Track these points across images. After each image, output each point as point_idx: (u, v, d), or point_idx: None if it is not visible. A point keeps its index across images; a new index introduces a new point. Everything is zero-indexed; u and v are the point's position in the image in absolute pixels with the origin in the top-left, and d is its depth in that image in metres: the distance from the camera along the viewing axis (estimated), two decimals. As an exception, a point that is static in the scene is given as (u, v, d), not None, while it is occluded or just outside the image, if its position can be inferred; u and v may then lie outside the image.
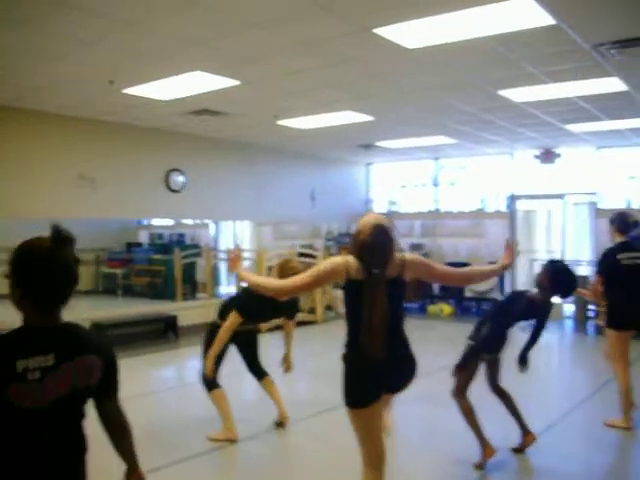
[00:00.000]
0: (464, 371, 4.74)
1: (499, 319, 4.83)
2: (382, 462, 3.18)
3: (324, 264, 3.22)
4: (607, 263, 5.65)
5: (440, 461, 4.85)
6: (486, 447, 4.65)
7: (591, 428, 5.74)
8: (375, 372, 3.09)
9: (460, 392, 4.73)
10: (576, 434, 5.64)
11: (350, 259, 3.15)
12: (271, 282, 3.44)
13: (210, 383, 5.28)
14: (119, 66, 6.61)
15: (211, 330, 5.35)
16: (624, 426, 5.51)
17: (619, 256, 5.58)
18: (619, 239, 5.68)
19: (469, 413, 4.69)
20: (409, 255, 3.25)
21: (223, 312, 5.34)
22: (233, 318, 5.11)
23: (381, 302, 3.01)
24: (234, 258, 3.64)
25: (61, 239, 1.97)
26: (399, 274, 3.15)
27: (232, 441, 5.20)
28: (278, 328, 6.39)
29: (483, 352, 4.79)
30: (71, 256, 2.00)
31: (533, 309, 4.79)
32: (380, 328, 3.00)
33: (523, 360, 4.82)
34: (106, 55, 6.19)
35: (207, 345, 5.26)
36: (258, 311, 5.23)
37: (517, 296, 5.03)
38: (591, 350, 9.95)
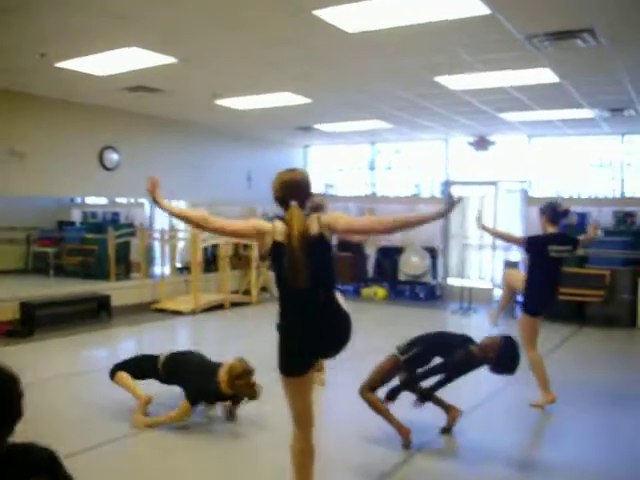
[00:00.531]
0: (380, 373, 4.90)
1: (432, 355, 4.96)
2: (310, 424, 3.37)
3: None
4: (536, 251, 5.78)
5: (369, 442, 4.94)
6: (401, 428, 4.79)
7: (517, 408, 5.94)
8: (307, 340, 3.20)
9: (369, 389, 4.85)
10: (502, 414, 5.82)
11: (277, 223, 3.25)
12: (198, 214, 3.44)
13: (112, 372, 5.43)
14: (50, 39, 6.43)
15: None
16: (548, 400, 5.71)
17: (549, 247, 5.69)
18: (551, 229, 5.79)
19: (378, 405, 4.84)
20: (325, 215, 3.29)
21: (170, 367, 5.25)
22: (183, 410, 5.00)
23: (300, 247, 3.10)
24: (152, 186, 3.63)
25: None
26: (320, 232, 3.19)
27: (148, 402, 5.25)
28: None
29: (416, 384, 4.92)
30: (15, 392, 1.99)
31: (465, 364, 4.88)
32: (301, 266, 3.09)
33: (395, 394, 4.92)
34: (34, 26, 6.00)
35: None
36: (207, 397, 5.18)
37: (460, 344, 4.96)
38: (517, 333, 10.25)
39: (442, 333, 5.28)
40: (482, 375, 5.17)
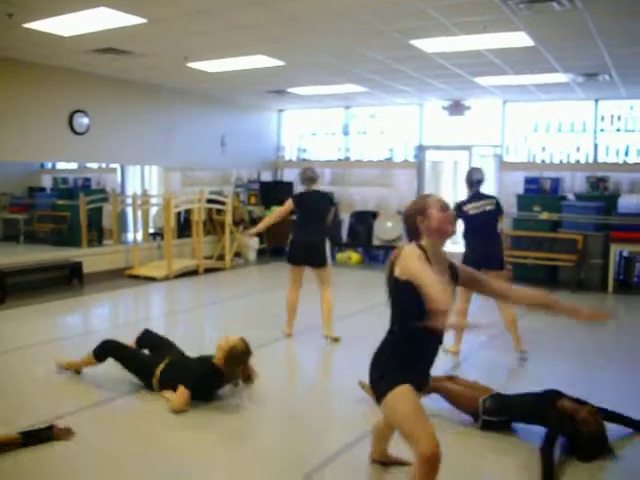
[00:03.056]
0: None
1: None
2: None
3: None
4: (460, 215, 6.30)
5: (347, 401, 4.98)
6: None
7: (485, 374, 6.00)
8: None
9: None
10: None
11: None
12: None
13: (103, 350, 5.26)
14: (18, -1, 6.25)
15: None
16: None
17: (465, 208, 6.40)
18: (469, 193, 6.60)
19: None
20: None
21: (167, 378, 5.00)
22: (183, 398, 4.78)
23: None
24: None
25: None
26: None
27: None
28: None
29: None
30: None
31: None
32: None
33: None
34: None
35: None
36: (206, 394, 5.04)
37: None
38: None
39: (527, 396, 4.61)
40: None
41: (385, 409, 3.04)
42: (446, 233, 3.04)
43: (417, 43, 7.81)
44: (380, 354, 3.14)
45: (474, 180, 6.56)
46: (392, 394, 2.95)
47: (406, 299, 2.95)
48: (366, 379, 3.22)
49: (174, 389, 4.84)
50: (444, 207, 3.06)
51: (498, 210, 6.44)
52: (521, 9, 6.16)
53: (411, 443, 2.88)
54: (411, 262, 2.87)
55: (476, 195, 6.51)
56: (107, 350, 5.22)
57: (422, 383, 3.15)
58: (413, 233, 3.09)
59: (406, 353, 3.04)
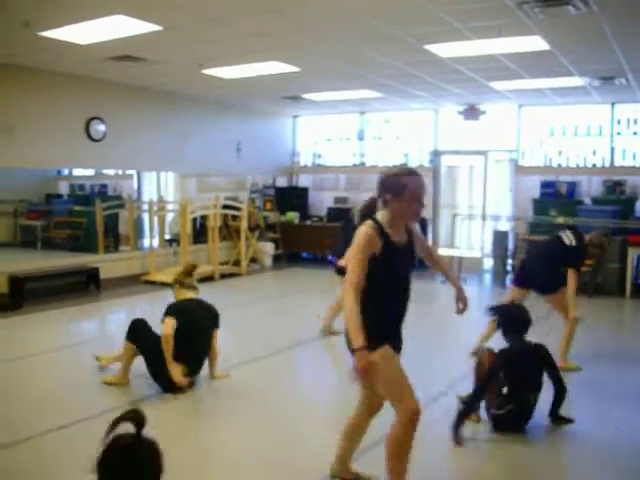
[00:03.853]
0: None
1: None
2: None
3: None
4: None
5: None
6: None
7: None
8: None
9: None
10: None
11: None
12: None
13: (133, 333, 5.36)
14: (34, 7, 6.29)
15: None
16: None
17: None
18: None
19: None
20: None
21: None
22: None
23: None
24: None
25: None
26: None
27: (121, 385, 5.37)
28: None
29: None
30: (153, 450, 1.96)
31: None
32: None
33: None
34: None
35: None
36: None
37: None
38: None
39: None
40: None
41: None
42: (407, 220, 3.27)
43: (432, 48, 7.80)
44: None
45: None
46: (374, 356, 3.03)
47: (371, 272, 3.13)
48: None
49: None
50: (418, 198, 3.17)
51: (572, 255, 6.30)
52: (536, 13, 6.13)
53: (393, 400, 3.16)
54: (354, 245, 3.13)
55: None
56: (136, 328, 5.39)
57: (398, 341, 3.32)
58: (381, 200, 3.22)
59: (377, 314, 3.15)
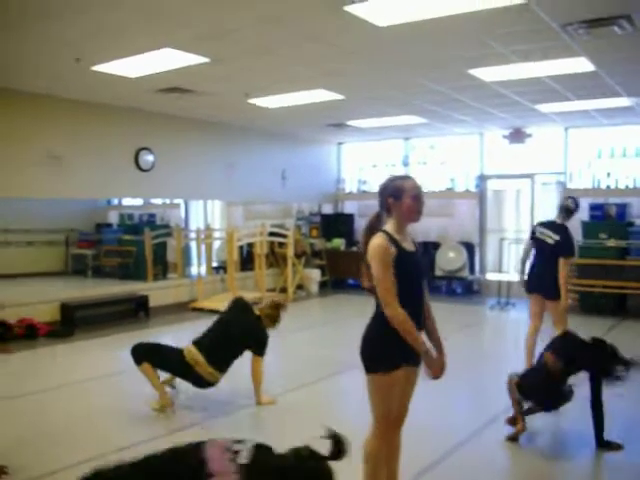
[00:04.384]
0: None
1: None
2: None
3: None
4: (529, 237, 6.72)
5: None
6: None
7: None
8: None
9: None
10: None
11: None
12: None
13: (137, 357, 5.54)
14: (84, 43, 6.51)
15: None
16: None
17: (535, 229, 6.65)
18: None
19: None
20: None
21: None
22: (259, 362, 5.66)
23: None
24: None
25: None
26: None
27: (167, 406, 5.46)
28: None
29: None
30: None
31: None
32: None
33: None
34: (69, 31, 6.09)
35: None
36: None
37: None
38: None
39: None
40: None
41: (369, 384, 3.29)
42: (411, 219, 3.34)
43: (476, 72, 7.80)
44: (370, 334, 3.33)
45: (559, 206, 6.71)
46: (379, 378, 3.22)
47: None
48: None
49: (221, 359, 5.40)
50: (416, 196, 3.30)
51: (558, 249, 6.26)
52: (580, 34, 6.09)
53: (376, 419, 3.31)
54: (374, 262, 3.20)
55: (549, 223, 6.58)
56: (139, 356, 5.54)
57: (412, 354, 3.24)
58: (384, 208, 3.35)
59: (393, 331, 3.17)
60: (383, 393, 3.25)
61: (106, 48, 6.74)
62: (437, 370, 3.23)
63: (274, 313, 5.77)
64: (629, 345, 8.43)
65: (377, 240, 3.21)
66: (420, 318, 3.32)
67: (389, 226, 3.31)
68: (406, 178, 3.39)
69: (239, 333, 5.54)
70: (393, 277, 3.16)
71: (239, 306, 5.80)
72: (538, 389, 4.70)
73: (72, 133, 9.53)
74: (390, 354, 3.20)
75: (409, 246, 3.34)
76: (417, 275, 3.36)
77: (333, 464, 2.46)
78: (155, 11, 5.60)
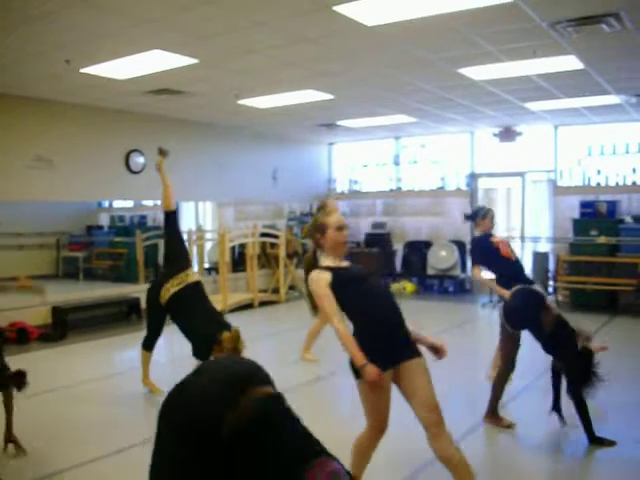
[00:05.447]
0: None
1: None
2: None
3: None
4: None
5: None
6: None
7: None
8: None
9: None
10: (533, 408, 5.76)
11: None
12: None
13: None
14: (75, 45, 6.49)
15: None
16: None
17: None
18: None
19: None
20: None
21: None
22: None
23: None
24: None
25: None
26: None
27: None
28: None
29: None
30: None
31: None
32: None
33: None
34: (60, 33, 6.07)
35: None
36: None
37: None
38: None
39: None
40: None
41: (358, 389, 3.43)
42: (337, 250, 3.56)
43: (465, 71, 7.81)
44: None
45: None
46: (363, 383, 3.35)
47: (342, 303, 3.47)
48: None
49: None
50: (340, 227, 3.56)
51: None
52: (569, 33, 6.11)
53: (368, 416, 3.46)
54: (315, 294, 3.48)
55: None
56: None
57: (400, 351, 3.41)
58: (317, 244, 3.61)
59: (374, 335, 3.39)
60: (370, 396, 3.39)
61: (96, 50, 6.71)
62: (370, 379, 3.28)
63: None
64: (621, 342, 8.52)
65: (312, 275, 3.50)
66: (395, 324, 3.45)
67: (323, 259, 3.58)
68: (328, 214, 3.63)
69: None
70: (332, 299, 3.41)
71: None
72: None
73: (62, 136, 9.49)
74: (370, 360, 3.29)
75: (345, 265, 3.59)
76: (365, 283, 3.53)
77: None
78: (144, 13, 5.58)
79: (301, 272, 13.05)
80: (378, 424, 3.47)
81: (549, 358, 4.96)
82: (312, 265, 3.58)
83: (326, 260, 3.56)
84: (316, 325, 7.32)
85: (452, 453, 3.28)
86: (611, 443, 4.60)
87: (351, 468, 3.52)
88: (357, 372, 3.36)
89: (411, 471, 4.19)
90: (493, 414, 5.09)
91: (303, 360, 7.34)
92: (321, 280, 3.45)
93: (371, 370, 3.23)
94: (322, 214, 3.66)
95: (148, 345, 6.10)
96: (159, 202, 13.49)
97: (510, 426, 5.01)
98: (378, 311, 3.44)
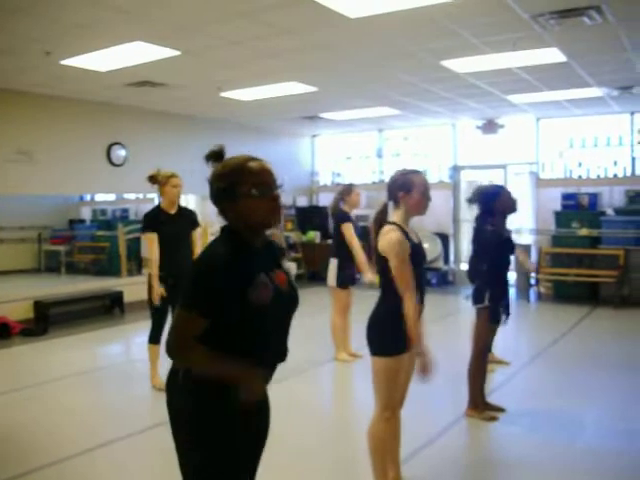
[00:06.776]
0: None
1: None
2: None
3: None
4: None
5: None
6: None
7: (534, 391, 5.93)
8: None
9: None
10: (521, 395, 5.80)
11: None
12: None
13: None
14: (55, 37, 6.42)
15: None
16: None
17: None
18: None
19: None
20: None
21: None
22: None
23: None
24: None
25: None
26: None
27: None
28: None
29: None
30: None
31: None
32: None
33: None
34: (40, 25, 6.00)
35: None
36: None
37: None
38: (533, 316, 10.24)
39: None
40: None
41: (375, 365, 3.42)
42: (419, 213, 3.50)
43: (448, 64, 7.82)
44: (378, 319, 3.47)
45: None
46: (384, 361, 3.36)
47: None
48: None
49: None
50: (425, 192, 3.46)
51: None
52: (551, 25, 6.13)
53: (377, 399, 3.45)
54: (393, 255, 3.31)
55: None
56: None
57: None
58: (393, 200, 3.52)
59: (400, 316, 3.28)
60: (388, 376, 3.37)
61: (76, 42, 6.64)
62: (426, 371, 3.25)
63: None
64: (603, 332, 8.60)
65: (394, 235, 3.33)
66: (423, 302, 3.50)
67: (397, 217, 3.45)
68: (416, 173, 3.52)
69: None
70: (411, 269, 3.29)
71: None
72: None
73: (42, 128, 9.39)
74: (397, 338, 3.30)
75: (415, 238, 3.48)
76: (422, 265, 3.52)
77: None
78: (124, 4, 5.52)
79: (284, 264, 13.11)
80: (391, 403, 3.43)
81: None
82: (382, 219, 3.48)
83: (399, 221, 3.45)
84: (337, 321, 7.00)
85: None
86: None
87: (375, 469, 3.50)
88: (374, 350, 3.40)
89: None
90: (476, 406, 5.11)
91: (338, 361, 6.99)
92: (406, 245, 3.33)
93: (428, 361, 3.23)
94: (408, 171, 3.55)
95: (153, 337, 5.97)
96: (141, 195, 13.45)
97: (493, 418, 5.03)
98: (417, 294, 3.37)
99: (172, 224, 5.93)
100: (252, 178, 2.32)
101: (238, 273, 2.13)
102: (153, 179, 5.92)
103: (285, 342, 2.34)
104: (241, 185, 2.32)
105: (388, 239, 3.33)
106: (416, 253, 3.38)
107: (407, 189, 3.43)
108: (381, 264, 3.39)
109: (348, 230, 6.69)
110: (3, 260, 13.32)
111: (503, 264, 5.11)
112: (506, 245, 5.04)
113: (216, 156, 2.51)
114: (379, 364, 3.39)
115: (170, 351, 2.12)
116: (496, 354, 6.63)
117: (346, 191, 6.91)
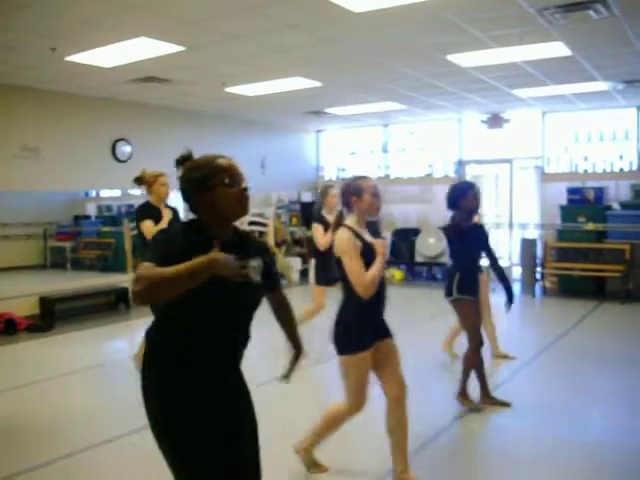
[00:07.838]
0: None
1: None
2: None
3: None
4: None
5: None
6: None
7: (540, 385, 5.92)
8: None
9: None
10: (526, 390, 5.79)
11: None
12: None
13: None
14: (60, 33, 6.43)
15: None
16: None
17: None
18: None
19: None
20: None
21: None
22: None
23: None
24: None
25: None
26: None
27: None
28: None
29: None
30: None
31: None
32: None
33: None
34: (46, 21, 6.00)
35: None
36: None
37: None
38: (539, 311, 10.23)
39: None
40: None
41: (341, 364, 3.60)
42: (372, 213, 3.71)
43: (453, 58, 7.80)
44: (340, 319, 3.63)
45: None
46: (349, 359, 3.54)
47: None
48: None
49: None
50: (375, 193, 3.70)
51: None
52: (557, 19, 6.11)
53: (346, 395, 3.63)
54: (344, 255, 3.51)
55: None
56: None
57: (380, 329, 3.70)
58: (347, 206, 3.71)
59: (363, 314, 3.56)
60: (354, 372, 3.55)
61: (82, 38, 6.64)
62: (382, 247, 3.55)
63: None
64: (609, 327, 8.58)
65: (342, 234, 3.55)
66: (383, 302, 3.69)
67: (350, 221, 3.65)
68: (364, 178, 3.79)
69: None
70: (362, 264, 3.47)
71: None
72: None
73: (48, 125, 9.40)
74: (362, 336, 3.53)
75: (369, 238, 3.65)
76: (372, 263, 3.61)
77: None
78: (131, 3, 5.53)
79: (290, 260, 13.04)
80: (357, 401, 3.61)
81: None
82: (339, 225, 3.65)
83: (353, 224, 3.63)
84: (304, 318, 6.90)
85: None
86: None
87: (318, 430, 3.84)
88: (341, 348, 3.55)
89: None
90: (463, 393, 5.19)
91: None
92: (354, 243, 3.52)
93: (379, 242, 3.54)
94: (356, 177, 3.80)
95: None
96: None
97: (479, 409, 5.09)
98: (377, 289, 3.51)
99: (161, 219, 5.98)
100: (223, 170, 2.52)
101: (180, 246, 2.24)
102: (140, 180, 5.95)
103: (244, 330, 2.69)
104: (214, 176, 2.46)
105: (338, 239, 3.56)
106: (367, 253, 3.52)
107: (358, 194, 3.65)
108: (340, 267, 3.56)
109: (316, 230, 6.73)
110: (9, 256, 13.36)
111: (469, 256, 5.30)
112: (468, 237, 5.28)
113: (185, 161, 2.56)
114: (347, 363, 3.56)
115: (135, 294, 2.04)
116: (501, 348, 6.66)
117: (322, 194, 6.94)
